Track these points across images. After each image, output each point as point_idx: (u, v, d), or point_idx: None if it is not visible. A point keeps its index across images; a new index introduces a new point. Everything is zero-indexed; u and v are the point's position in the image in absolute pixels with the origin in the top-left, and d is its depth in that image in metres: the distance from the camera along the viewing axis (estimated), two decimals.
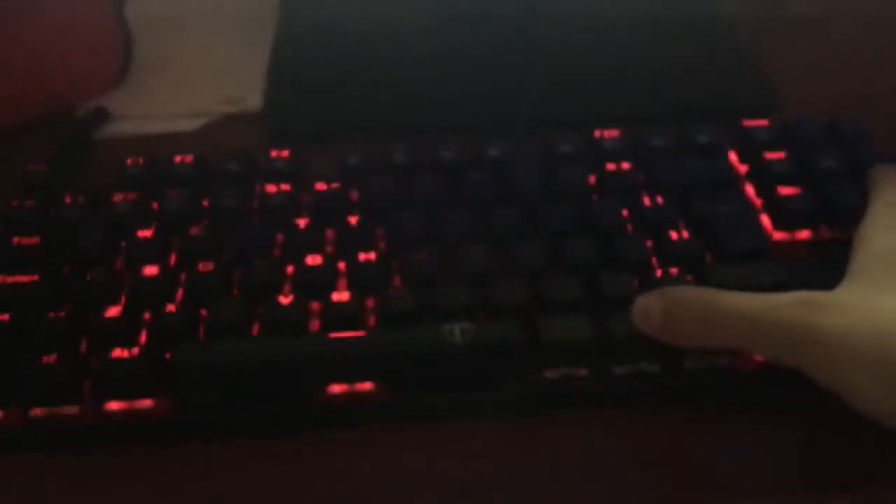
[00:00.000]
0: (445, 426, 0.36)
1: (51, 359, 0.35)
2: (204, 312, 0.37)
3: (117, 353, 0.36)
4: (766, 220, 0.41)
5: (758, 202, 0.42)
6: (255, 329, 0.37)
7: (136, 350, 0.36)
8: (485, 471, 0.35)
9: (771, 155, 0.43)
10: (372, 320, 0.37)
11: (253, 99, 0.53)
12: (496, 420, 0.36)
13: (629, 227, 0.41)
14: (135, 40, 0.54)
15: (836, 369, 0.31)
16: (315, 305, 0.38)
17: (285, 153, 0.44)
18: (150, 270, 0.39)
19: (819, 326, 0.31)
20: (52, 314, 0.37)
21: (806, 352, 0.31)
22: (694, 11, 0.59)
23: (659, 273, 0.38)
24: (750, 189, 0.43)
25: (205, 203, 0.42)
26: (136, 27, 0.54)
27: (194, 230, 0.41)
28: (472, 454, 0.35)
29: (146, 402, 0.36)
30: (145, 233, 0.41)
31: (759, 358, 0.36)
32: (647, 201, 0.41)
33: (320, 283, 0.38)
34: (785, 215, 0.41)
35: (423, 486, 0.35)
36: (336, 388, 0.36)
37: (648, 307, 0.35)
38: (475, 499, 0.34)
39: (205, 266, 0.39)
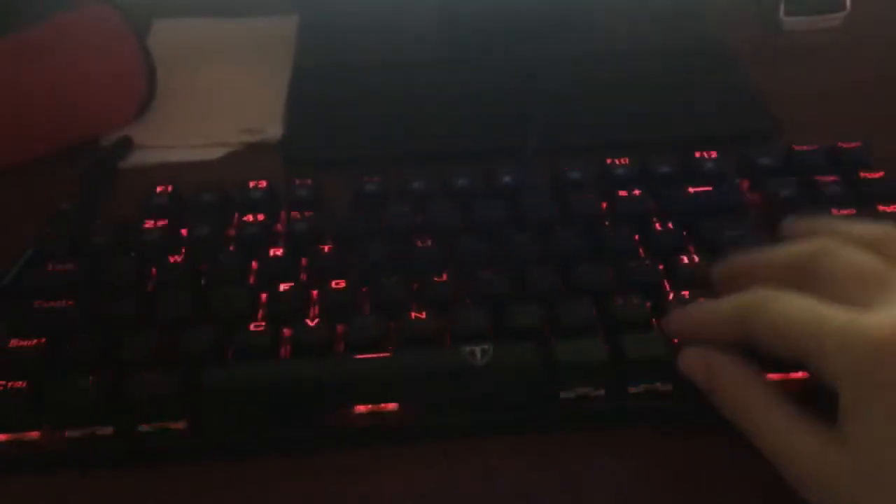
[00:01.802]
0: (463, 445, 0.37)
1: (84, 381, 0.37)
2: (233, 336, 0.39)
3: (149, 375, 0.37)
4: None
5: (764, 226, 0.44)
6: (282, 351, 0.39)
7: (166, 373, 0.37)
8: (501, 489, 0.36)
9: (777, 180, 0.45)
10: (394, 342, 0.39)
11: (273, 129, 0.54)
12: (513, 439, 0.38)
13: (640, 251, 0.42)
14: (157, 72, 0.56)
15: None
16: (340, 328, 0.39)
17: (307, 181, 0.46)
18: (180, 296, 0.40)
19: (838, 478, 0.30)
20: (84, 338, 0.39)
21: (822, 493, 0.31)
22: (694, 40, 0.61)
23: (671, 296, 0.39)
24: (757, 214, 0.44)
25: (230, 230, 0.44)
26: (158, 59, 0.56)
27: (221, 256, 0.42)
28: (489, 473, 0.37)
29: (176, 424, 0.37)
30: (174, 259, 0.42)
31: None
32: (657, 226, 0.43)
33: (343, 306, 0.40)
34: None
35: None
36: (360, 409, 0.37)
37: (692, 367, 0.36)
38: None
39: (232, 291, 0.40)
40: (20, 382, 0.37)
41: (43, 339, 0.38)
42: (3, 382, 0.37)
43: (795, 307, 0.32)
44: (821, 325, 0.31)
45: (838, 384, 0.31)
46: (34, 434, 0.37)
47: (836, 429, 0.31)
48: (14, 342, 0.38)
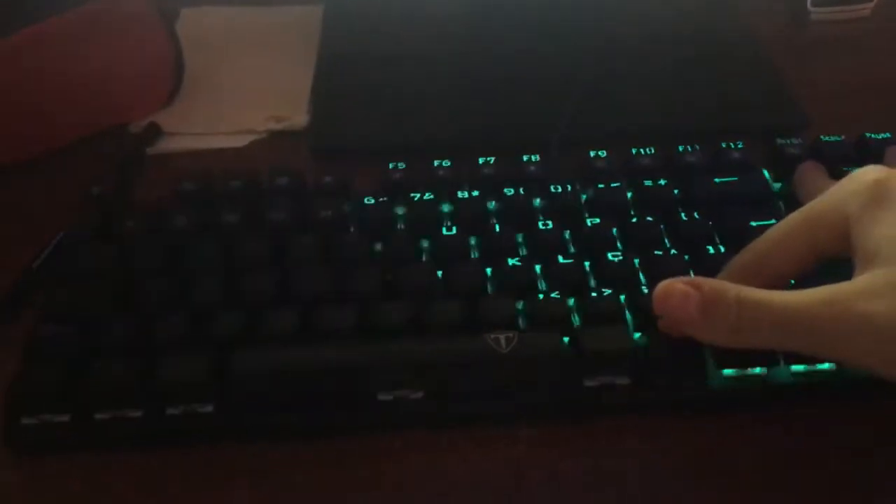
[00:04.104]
0: (489, 433, 0.38)
1: (115, 365, 0.37)
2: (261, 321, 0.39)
3: (178, 359, 0.37)
4: None
5: None
6: (309, 337, 0.39)
7: (196, 357, 0.37)
8: (528, 475, 0.36)
9: None
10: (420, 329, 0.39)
11: (299, 117, 0.55)
12: (537, 426, 0.38)
13: (667, 241, 0.42)
14: (185, 59, 0.56)
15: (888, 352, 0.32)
16: (365, 315, 0.39)
17: (334, 168, 0.46)
18: (210, 280, 0.41)
19: (861, 316, 0.31)
20: (115, 322, 0.39)
21: (856, 342, 0.32)
22: (722, 30, 0.60)
23: None
24: (783, 205, 0.44)
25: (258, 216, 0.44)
26: (186, 46, 0.56)
27: (250, 242, 0.42)
28: (514, 460, 0.37)
29: (204, 408, 0.37)
30: (204, 244, 0.42)
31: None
32: (683, 216, 0.43)
33: (370, 293, 0.40)
34: None
35: (465, 492, 0.36)
36: (385, 395, 0.38)
37: (687, 295, 0.34)
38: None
39: (260, 276, 0.41)
40: (52, 366, 0.37)
41: (74, 324, 0.39)
42: (36, 366, 0.37)
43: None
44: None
45: (853, 221, 0.35)
46: (64, 416, 0.37)
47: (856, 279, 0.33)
48: (46, 326, 0.39)
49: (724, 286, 0.34)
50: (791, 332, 0.33)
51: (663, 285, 0.35)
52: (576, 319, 0.39)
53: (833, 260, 0.36)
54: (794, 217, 0.37)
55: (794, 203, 0.44)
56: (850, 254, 0.35)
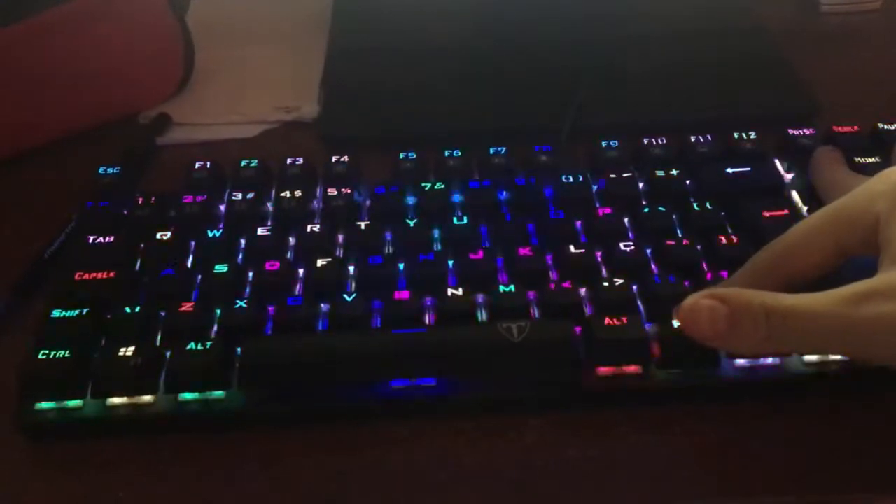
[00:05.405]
0: (499, 421, 0.37)
1: (126, 352, 0.37)
2: (271, 309, 0.39)
3: (189, 346, 0.37)
4: None
5: (804, 207, 0.43)
6: (320, 326, 0.39)
7: (207, 344, 0.37)
8: (536, 464, 0.36)
9: None
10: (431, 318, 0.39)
11: (308, 107, 0.55)
12: (548, 415, 0.38)
13: (679, 231, 0.42)
14: (195, 49, 0.56)
15: None
16: (378, 303, 0.39)
17: (344, 158, 0.46)
18: (220, 268, 0.41)
19: (891, 314, 0.30)
20: (127, 309, 0.39)
21: (887, 342, 0.31)
22: (733, 22, 0.60)
23: (710, 276, 0.39)
24: (796, 194, 0.44)
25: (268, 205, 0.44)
26: (196, 36, 0.56)
27: (260, 231, 0.42)
28: (523, 448, 0.37)
29: (216, 395, 0.37)
30: (213, 232, 0.43)
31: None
32: (695, 206, 0.43)
33: (381, 282, 0.40)
34: None
35: (475, 479, 0.36)
36: (397, 383, 0.37)
37: (714, 310, 0.33)
38: (526, 492, 0.35)
39: (271, 265, 0.41)
40: (63, 352, 0.37)
41: (85, 310, 0.39)
42: (47, 352, 0.37)
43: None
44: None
45: (882, 220, 0.33)
46: (76, 402, 0.37)
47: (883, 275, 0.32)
48: (57, 313, 0.39)
49: (749, 296, 0.33)
50: (821, 336, 0.32)
51: (689, 302, 0.33)
52: (587, 309, 0.39)
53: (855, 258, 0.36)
54: (818, 216, 0.36)
55: (807, 194, 0.44)
56: (876, 253, 0.34)
